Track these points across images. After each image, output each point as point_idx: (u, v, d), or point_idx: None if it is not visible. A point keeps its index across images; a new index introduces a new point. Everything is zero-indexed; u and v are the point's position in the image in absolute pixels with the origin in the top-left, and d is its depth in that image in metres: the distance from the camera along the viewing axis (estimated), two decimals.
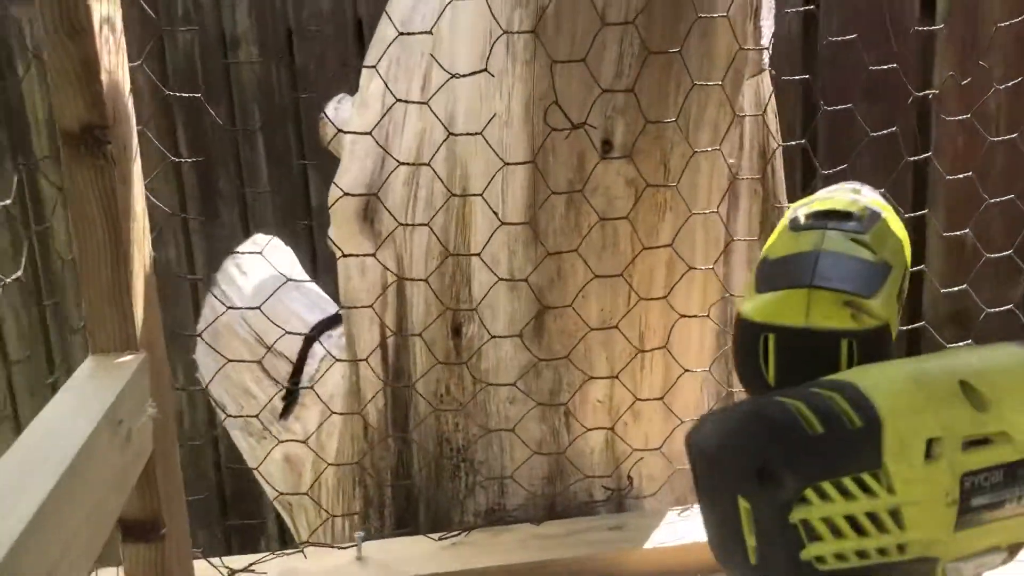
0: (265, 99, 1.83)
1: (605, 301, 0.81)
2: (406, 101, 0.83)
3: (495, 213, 0.78)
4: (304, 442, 0.96)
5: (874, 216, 0.58)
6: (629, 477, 0.87)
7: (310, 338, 1.07)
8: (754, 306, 0.55)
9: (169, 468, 0.67)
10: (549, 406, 0.83)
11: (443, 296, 0.83)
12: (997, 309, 1.08)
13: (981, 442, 0.48)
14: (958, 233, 1.35)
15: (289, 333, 0.98)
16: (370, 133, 0.81)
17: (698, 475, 0.51)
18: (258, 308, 0.91)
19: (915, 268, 0.64)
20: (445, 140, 0.80)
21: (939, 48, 1.48)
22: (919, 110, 1.52)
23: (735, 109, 0.81)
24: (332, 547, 0.83)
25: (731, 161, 0.89)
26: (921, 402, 0.47)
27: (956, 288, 1.07)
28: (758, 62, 0.81)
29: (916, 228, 1.53)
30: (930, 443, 0.47)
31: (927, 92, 1.49)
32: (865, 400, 0.47)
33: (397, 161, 0.84)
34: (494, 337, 0.82)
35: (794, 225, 0.58)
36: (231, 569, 0.78)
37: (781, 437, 0.46)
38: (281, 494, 1.00)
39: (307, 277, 1.18)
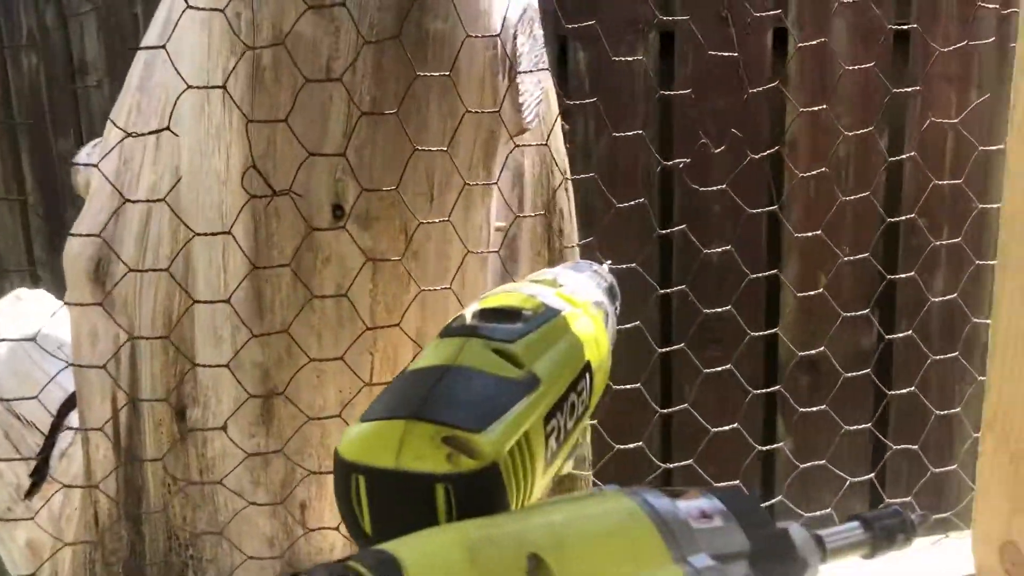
0: None
1: (343, 382, 0.72)
2: (86, 162, 0.74)
3: (186, 292, 0.69)
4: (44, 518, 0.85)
5: (547, 315, 0.48)
6: None
7: (65, 407, 0.96)
8: (348, 439, 0.45)
9: None
10: (280, 501, 0.74)
11: (166, 373, 0.74)
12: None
13: None
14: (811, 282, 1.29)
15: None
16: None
17: None
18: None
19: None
20: (122, 205, 0.71)
21: (791, 94, 1.43)
22: (773, 158, 1.47)
23: (490, 171, 0.74)
24: None
25: (501, 224, 0.81)
26: None
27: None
28: (517, 121, 0.74)
29: (770, 279, 1.49)
30: None
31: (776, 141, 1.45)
32: None
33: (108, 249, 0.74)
34: (200, 429, 0.72)
35: (447, 328, 0.49)
36: None
37: None
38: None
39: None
